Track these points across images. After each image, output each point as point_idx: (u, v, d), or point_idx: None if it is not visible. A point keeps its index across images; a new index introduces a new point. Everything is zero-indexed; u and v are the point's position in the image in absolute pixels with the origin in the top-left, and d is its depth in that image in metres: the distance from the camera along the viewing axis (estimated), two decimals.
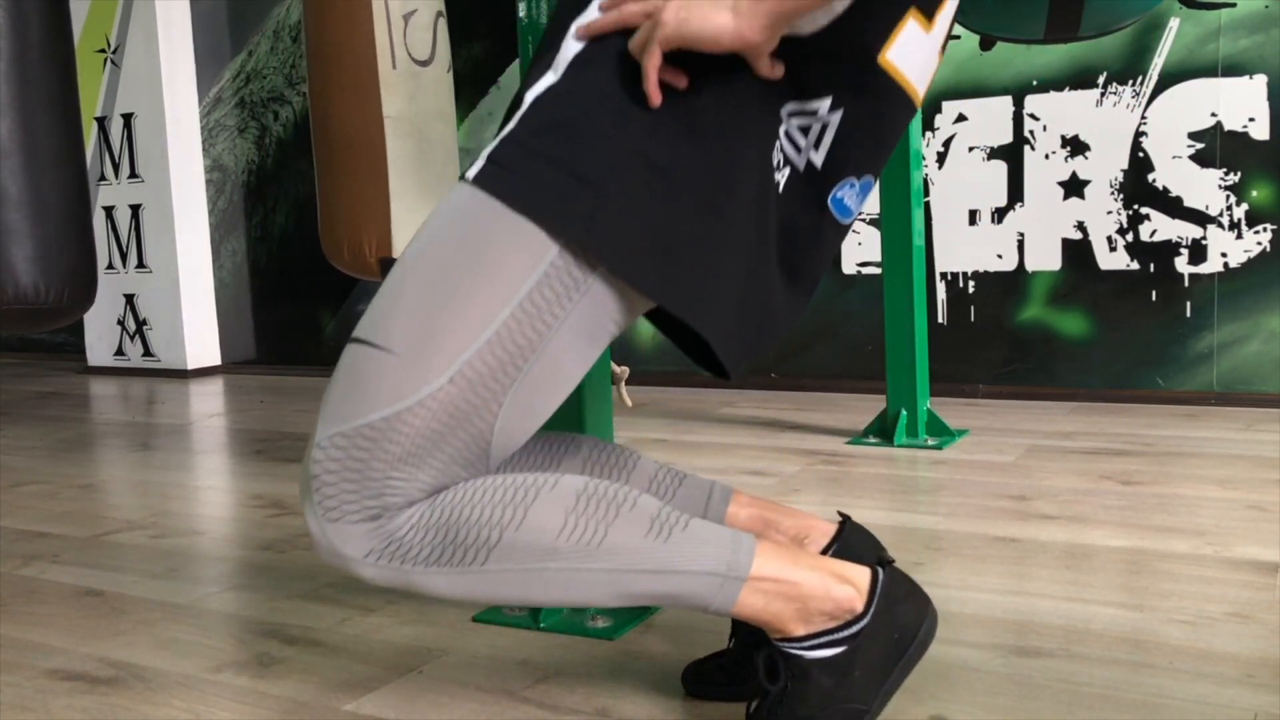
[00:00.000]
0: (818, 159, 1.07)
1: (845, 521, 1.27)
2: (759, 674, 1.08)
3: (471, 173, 1.02)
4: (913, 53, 1.07)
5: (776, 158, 1.05)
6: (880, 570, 1.09)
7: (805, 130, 1.06)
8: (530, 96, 1.05)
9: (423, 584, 1.00)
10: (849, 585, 1.06)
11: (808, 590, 1.04)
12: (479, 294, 0.97)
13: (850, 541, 1.25)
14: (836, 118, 1.05)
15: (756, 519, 1.24)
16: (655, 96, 0.99)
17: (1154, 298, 3.09)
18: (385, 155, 2.45)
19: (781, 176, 1.06)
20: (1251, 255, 2.97)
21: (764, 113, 1.03)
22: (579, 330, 1.01)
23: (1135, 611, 1.47)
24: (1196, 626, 1.40)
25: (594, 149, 0.98)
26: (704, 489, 1.26)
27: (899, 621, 1.07)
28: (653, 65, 0.98)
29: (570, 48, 1.05)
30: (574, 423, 1.52)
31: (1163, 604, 1.49)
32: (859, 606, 1.06)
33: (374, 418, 0.97)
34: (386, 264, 2.48)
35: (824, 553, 1.25)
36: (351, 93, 2.47)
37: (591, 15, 1.06)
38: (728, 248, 1.02)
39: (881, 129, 1.09)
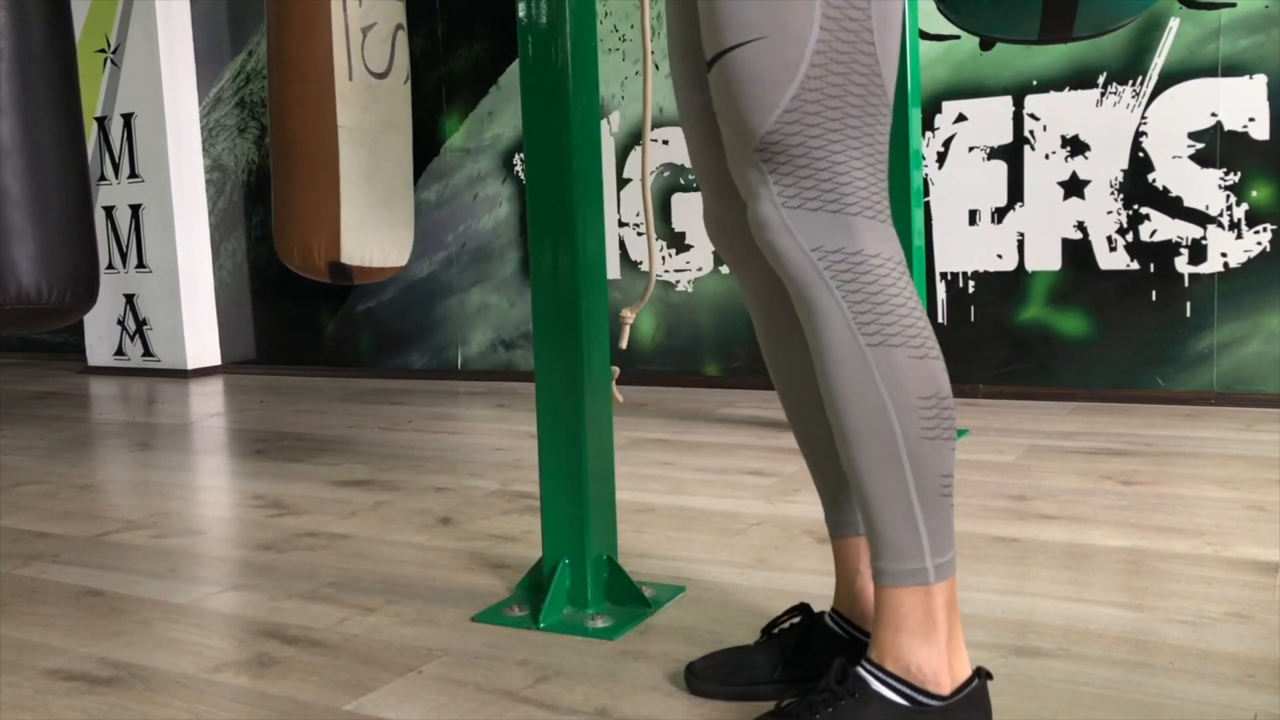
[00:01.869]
0: None
1: None
2: (830, 676, 1.07)
3: None
4: None
5: None
6: (979, 678, 1.09)
7: None
8: None
9: (822, 306, 1.02)
10: (953, 672, 1.07)
11: (932, 649, 1.05)
12: None
13: None
14: None
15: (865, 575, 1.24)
16: None
17: (1154, 298, 3.09)
18: (337, 163, 2.53)
19: None
20: (1251, 255, 2.97)
21: None
22: None
23: (1135, 611, 1.47)
24: (1196, 626, 1.40)
25: None
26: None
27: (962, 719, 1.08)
28: None
29: None
30: (575, 420, 1.52)
31: (1163, 604, 1.49)
32: (945, 691, 1.06)
33: (787, 97, 0.99)
34: (335, 268, 2.55)
35: None
36: (308, 102, 2.56)
37: None
38: None
39: None
